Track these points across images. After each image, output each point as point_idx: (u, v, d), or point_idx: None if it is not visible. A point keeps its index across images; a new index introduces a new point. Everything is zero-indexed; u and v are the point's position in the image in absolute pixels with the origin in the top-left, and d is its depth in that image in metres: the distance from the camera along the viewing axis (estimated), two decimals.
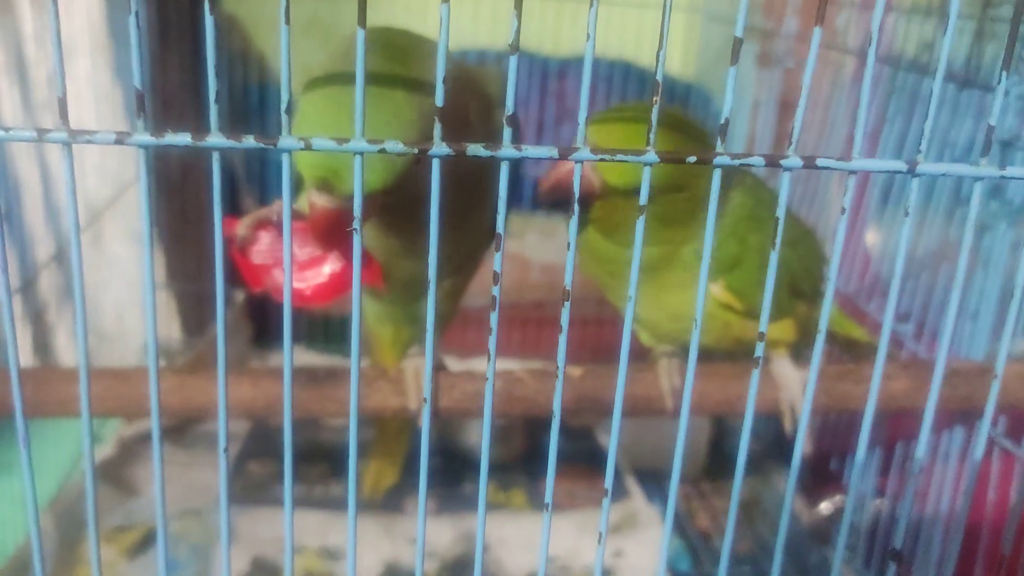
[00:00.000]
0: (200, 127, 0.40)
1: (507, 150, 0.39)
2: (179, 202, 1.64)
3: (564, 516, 1.28)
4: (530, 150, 0.39)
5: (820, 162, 0.39)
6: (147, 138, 0.38)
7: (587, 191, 0.70)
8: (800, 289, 0.81)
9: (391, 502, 1.25)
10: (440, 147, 0.38)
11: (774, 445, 1.44)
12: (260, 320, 1.69)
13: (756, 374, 0.46)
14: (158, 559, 0.52)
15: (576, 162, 0.40)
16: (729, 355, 0.82)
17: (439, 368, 0.80)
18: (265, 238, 0.71)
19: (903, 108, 1.09)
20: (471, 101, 0.70)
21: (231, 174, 1.69)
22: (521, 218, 1.77)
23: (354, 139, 0.38)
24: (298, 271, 0.69)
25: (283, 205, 0.40)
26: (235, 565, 1.15)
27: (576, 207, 0.40)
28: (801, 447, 0.56)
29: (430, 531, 1.24)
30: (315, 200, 0.60)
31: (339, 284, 0.68)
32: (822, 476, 1.25)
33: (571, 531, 1.26)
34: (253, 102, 1.72)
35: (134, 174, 1.56)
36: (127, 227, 1.58)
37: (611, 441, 0.53)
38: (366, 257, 0.68)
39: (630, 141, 0.67)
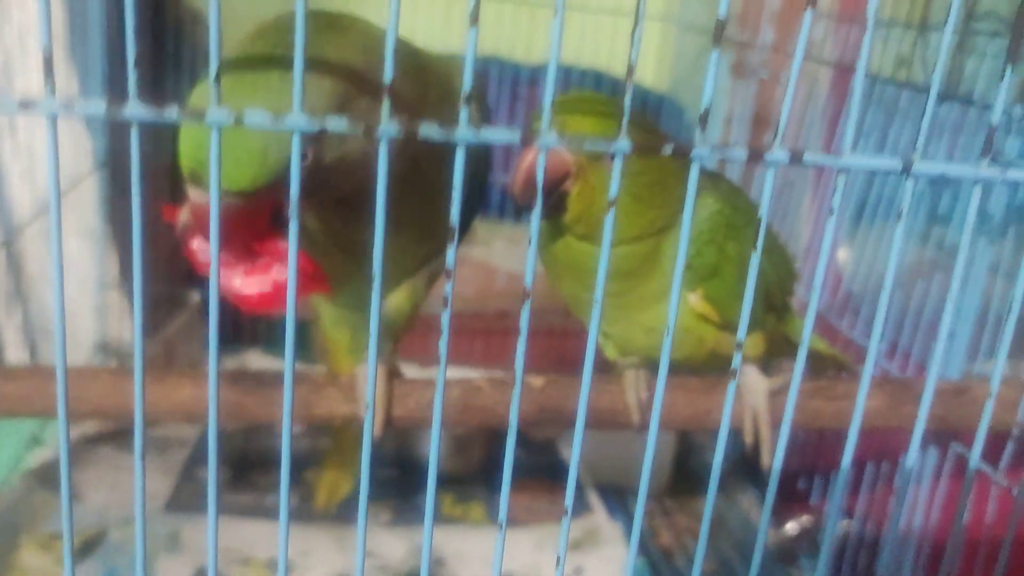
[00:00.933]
0: (158, 104, 0.36)
1: (463, 132, 0.35)
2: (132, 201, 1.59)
3: (523, 531, 1.24)
4: (489, 133, 0.35)
5: (807, 157, 0.36)
6: (55, 104, 0.33)
7: (562, 173, 0.65)
8: (772, 301, 0.78)
9: (344, 514, 1.20)
10: (389, 126, 0.34)
11: (740, 463, 1.41)
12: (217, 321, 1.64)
13: (732, 386, 0.42)
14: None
15: (541, 149, 0.36)
16: (696, 369, 0.79)
17: (395, 375, 0.76)
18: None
19: (879, 123, 1.06)
20: (432, 91, 0.66)
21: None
22: (488, 225, 1.73)
23: (293, 114, 0.34)
24: (244, 275, 0.64)
25: (211, 193, 0.36)
26: (181, 575, 1.10)
27: (540, 197, 0.37)
28: (779, 465, 0.52)
29: (384, 544, 1.20)
30: (190, 195, 0.56)
31: (282, 294, 0.64)
32: (788, 495, 1.22)
33: (530, 547, 1.22)
34: None
35: (89, 167, 1.51)
36: (80, 223, 1.53)
37: (572, 457, 0.49)
38: (310, 263, 0.64)
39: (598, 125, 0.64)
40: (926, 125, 0.37)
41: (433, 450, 0.47)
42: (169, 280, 1.60)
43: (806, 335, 0.42)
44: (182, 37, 1.56)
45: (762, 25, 1.29)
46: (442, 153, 0.68)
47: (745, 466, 1.40)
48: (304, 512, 1.24)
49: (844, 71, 1.17)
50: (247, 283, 0.64)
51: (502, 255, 1.77)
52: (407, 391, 0.75)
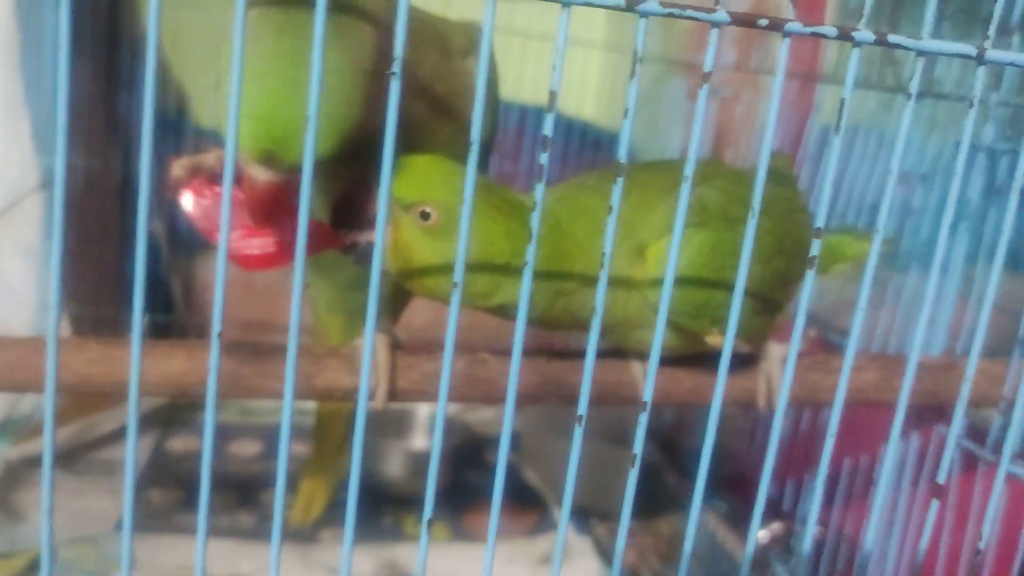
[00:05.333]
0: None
1: None
2: (80, 220, 1.54)
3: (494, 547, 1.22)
4: None
5: (891, 39, 0.37)
6: None
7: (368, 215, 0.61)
8: (791, 277, 0.75)
9: (307, 533, 1.17)
10: None
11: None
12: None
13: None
14: None
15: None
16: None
17: (397, 346, 0.74)
18: (208, 194, 0.66)
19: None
20: (427, 50, 0.67)
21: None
22: None
23: None
24: (244, 237, 0.63)
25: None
26: None
27: None
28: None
29: (352, 561, 1.16)
30: (255, 175, 0.55)
31: (286, 252, 0.63)
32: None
33: (500, 560, 1.19)
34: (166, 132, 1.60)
35: (32, 183, 1.46)
36: (20, 241, 1.48)
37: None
38: (321, 225, 0.64)
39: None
40: (996, 17, 0.38)
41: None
42: (114, 302, 1.55)
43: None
44: (136, 58, 1.54)
45: (722, 46, 1.32)
46: (446, 110, 0.68)
47: (712, 483, 1.40)
48: (263, 530, 1.21)
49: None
50: (247, 245, 0.64)
51: None
52: (410, 363, 0.73)
